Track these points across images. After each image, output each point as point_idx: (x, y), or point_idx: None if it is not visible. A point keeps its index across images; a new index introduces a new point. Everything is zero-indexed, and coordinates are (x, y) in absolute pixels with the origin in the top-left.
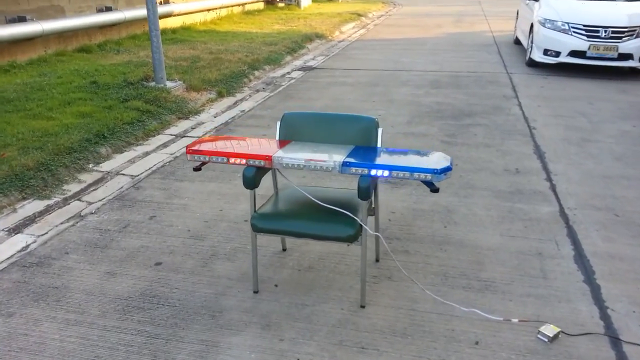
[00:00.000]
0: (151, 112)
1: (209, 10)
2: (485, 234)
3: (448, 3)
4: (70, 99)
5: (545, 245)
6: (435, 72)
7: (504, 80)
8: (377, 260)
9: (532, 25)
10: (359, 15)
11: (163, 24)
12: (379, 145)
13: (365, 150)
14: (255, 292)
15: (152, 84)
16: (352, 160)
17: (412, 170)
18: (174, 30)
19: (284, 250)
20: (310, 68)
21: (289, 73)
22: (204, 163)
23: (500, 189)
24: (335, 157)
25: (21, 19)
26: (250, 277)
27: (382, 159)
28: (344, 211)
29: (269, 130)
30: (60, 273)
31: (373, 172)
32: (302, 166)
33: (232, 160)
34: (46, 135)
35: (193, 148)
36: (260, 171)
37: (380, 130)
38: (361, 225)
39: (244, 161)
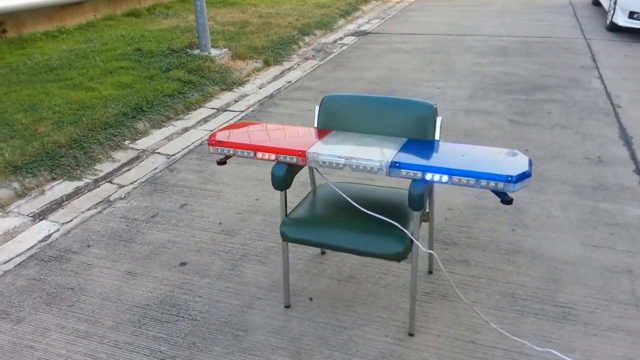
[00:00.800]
0: (193, 82)
1: None
2: (562, 242)
3: None
4: (113, 67)
5: (636, 261)
6: (503, 38)
7: (582, 47)
8: (430, 272)
9: None
10: None
11: None
12: (436, 137)
13: (419, 145)
14: (287, 306)
15: (197, 51)
16: (402, 159)
17: (478, 175)
18: None
19: (323, 253)
20: (364, 33)
21: (341, 39)
22: (228, 157)
23: (580, 183)
24: (383, 154)
25: None
26: (282, 286)
27: (441, 157)
28: (392, 221)
29: (315, 104)
30: (78, 271)
31: (428, 176)
32: (341, 165)
33: (259, 154)
34: (83, 108)
35: (216, 139)
36: (293, 168)
37: (439, 120)
38: (412, 240)
39: (273, 156)
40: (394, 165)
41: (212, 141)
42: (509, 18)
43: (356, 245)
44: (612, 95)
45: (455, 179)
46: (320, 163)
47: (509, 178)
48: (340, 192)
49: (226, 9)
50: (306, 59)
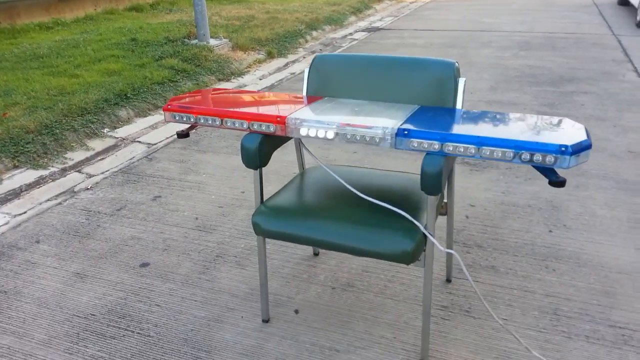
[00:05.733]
0: (187, 71)
1: None
2: (612, 246)
3: None
4: (103, 56)
5: None
6: (525, 33)
7: (611, 42)
8: (448, 281)
9: None
10: None
11: None
12: (458, 106)
13: (435, 113)
14: (265, 321)
15: (194, 41)
16: (413, 126)
17: (519, 145)
18: None
19: (316, 254)
20: (376, 29)
21: (351, 34)
22: (191, 127)
23: (626, 178)
24: (388, 121)
25: None
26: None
27: (464, 125)
28: (399, 211)
29: None
30: (18, 270)
31: (448, 147)
32: (332, 135)
33: (228, 122)
34: (62, 93)
35: (173, 103)
36: (270, 141)
37: (462, 82)
38: (425, 235)
39: (244, 124)
40: (402, 134)
41: (167, 106)
42: (531, 16)
43: (351, 241)
44: None
45: (486, 150)
46: (306, 133)
47: (563, 149)
48: (332, 174)
49: (232, 5)
50: (313, 52)
